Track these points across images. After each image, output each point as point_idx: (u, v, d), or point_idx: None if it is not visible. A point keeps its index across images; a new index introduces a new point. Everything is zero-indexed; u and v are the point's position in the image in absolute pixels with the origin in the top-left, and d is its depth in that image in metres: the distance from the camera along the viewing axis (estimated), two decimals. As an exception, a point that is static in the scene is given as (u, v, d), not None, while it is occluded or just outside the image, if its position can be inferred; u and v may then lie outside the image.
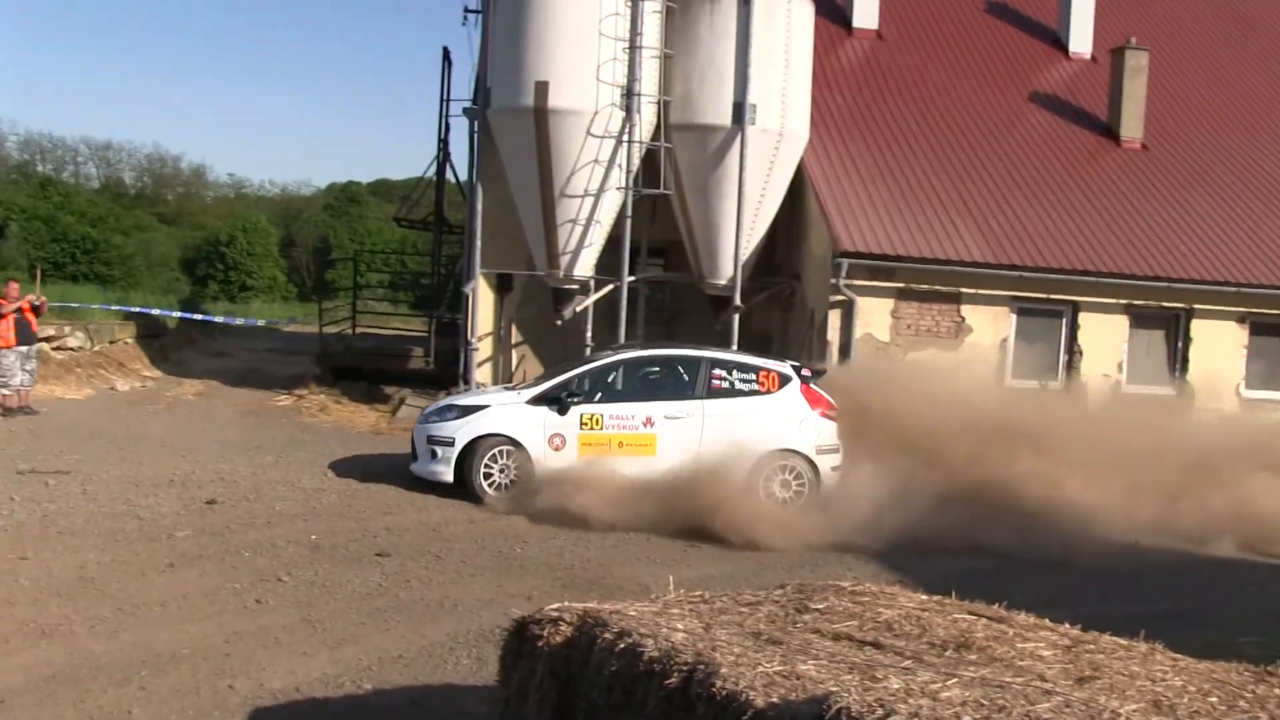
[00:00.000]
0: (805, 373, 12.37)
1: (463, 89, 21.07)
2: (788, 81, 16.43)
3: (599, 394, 11.79)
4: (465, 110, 18.08)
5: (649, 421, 11.72)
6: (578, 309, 16.79)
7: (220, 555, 8.58)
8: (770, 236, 17.44)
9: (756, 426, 11.77)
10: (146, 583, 7.84)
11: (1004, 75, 21.88)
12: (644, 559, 9.58)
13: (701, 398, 11.91)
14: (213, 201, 74.25)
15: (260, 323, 34.63)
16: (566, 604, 3.48)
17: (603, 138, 15.62)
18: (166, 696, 5.85)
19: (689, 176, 16.51)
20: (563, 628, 3.35)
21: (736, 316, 16.64)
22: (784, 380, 12.11)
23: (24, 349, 14.83)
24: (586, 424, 11.58)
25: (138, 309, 24.36)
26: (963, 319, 16.22)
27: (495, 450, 11.42)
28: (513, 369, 18.39)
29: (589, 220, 16.02)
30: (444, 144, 22.22)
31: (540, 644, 3.41)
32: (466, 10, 19.62)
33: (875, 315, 16.00)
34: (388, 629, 7.10)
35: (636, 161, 15.98)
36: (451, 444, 11.46)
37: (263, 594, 7.68)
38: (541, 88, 15.46)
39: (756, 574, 8.89)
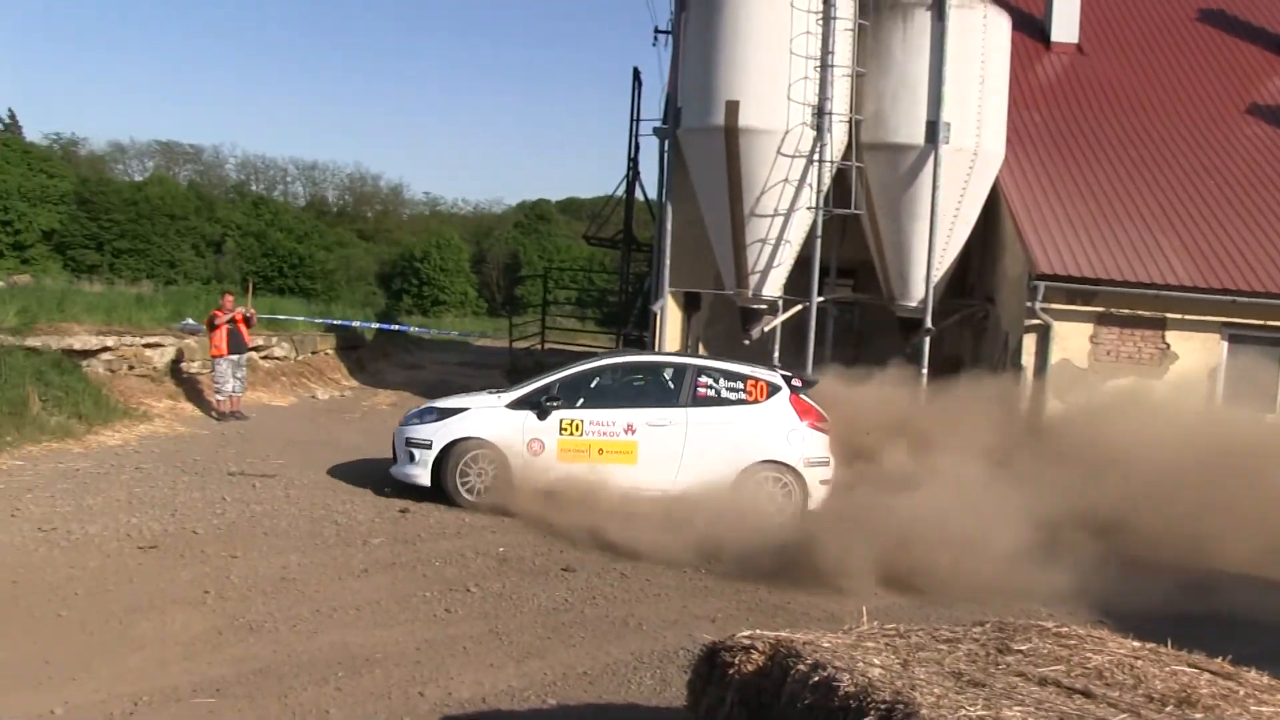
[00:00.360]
0: (795, 383, 11.99)
1: (653, 109, 21.37)
2: (983, 98, 15.98)
3: (580, 399, 11.46)
4: (655, 130, 18.26)
5: (630, 429, 11.39)
6: (765, 329, 16.70)
7: (412, 563, 8.85)
8: (963, 258, 16.97)
9: (742, 437, 11.46)
10: (343, 586, 8.16)
11: (1218, 86, 20.70)
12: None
13: (686, 406, 11.56)
14: (409, 219, 77.20)
15: (453, 335, 35.76)
16: (758, 632, 3.42)
17: (793, 157, 15.51)
18: (361, 699, 6.06)
19: (880, 196, 16.23)
20: (754, 656, 3.29)
21: (927, 339, 16.25)
22: (773, 390, 11.73)
23: (236, 357, 15.73)
24: (566, 429, 11.28)
25: (338, 321, 25.47)
26: (1167, 345, 15.36)
27: (473, 454, 11.22)
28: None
29: (778, 240, 15.93)
30: (634, 163, 22.52)
31: (731, 671, 3.36)
32: (657, 31, 19.90)
33: (1072, 340, 15.32)
34: (573, 644, 7.17)
35: (827, 181, 15.80)
36: (429, 446, 11.30)
37: (452, 603, 7.88)
38: (732, 107, 15.47)
39: (926, 609, 8.58)
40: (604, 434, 11.30)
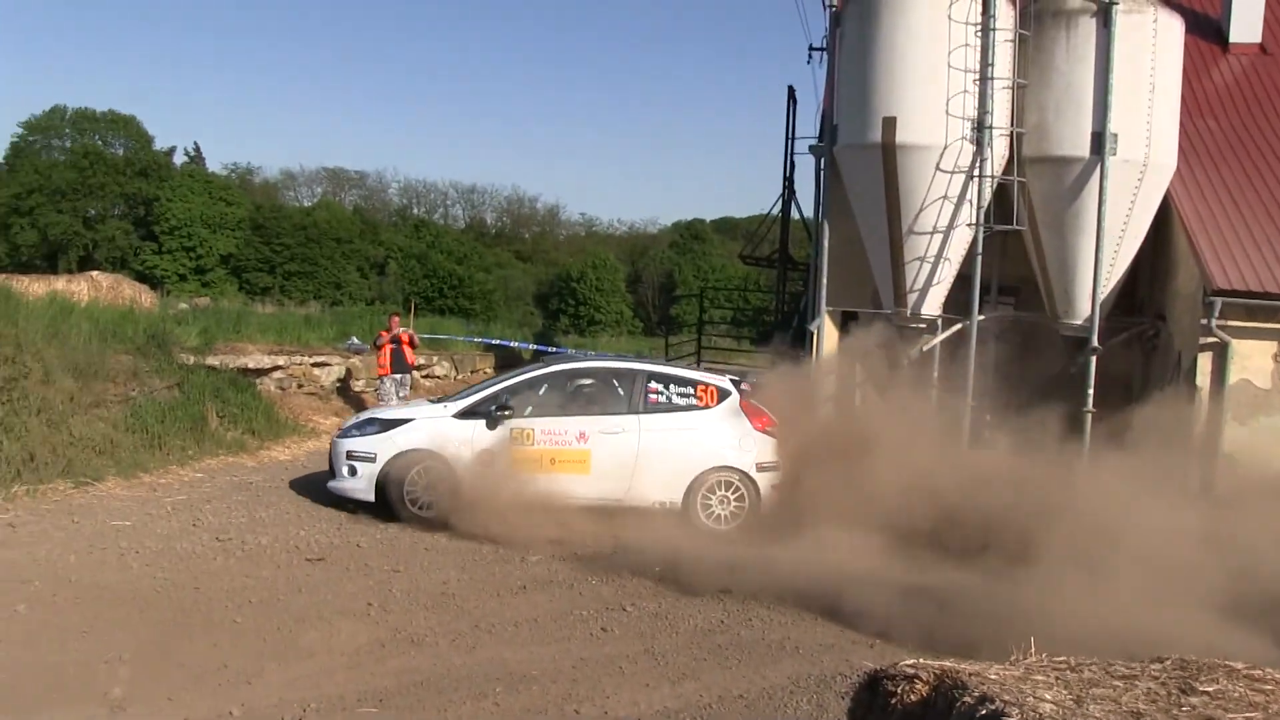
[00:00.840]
0: (744, 387, 11.80)
1: (808, 127, 21.23)
2: (1152, 107, 15.32)
3: (529, 408, 11.16)
4: (811, 148, 18.13)
5: (583, 437, 11.12)
6: (925, 348, 16.35)
7: (569, 582, 8.95)
8: (1131, 274, 16.27)
9: (694, 442, 11.30)
10: (501, 603, 8.30)
11: None
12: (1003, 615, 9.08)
13: (637, 412, 11.36)
14: (565, 239, 78.46)
15: (609, 355, 36.02)
16: (922, 661, 3.31)
17: (952, 173, 15.16)
18: (518, 714, 6.15)
19: (1043, 211, 15.72)
20: (918, 686, 3.18)
21: (1093, 359, 15.64)
22: (722, 395, 11.58)
23: (399, 376, 16.25)
24: (517, 439, 10.96)
25: (496, 341, 25.98)
26: (1361, 364, 14.43)
27: (419, 467, 10.82)
28: (856, 406, 18.13)
29: (937, 257, 15.58)
30: (789, 182, 22.37)
31: (893, 701, 3.26)
32: (811, 48, 19.76)
33: (1253, 359, 14.50)
34: (728, 667, 7.12)
35: (987, 196, 15.38)
36: (372, 460, 10.90)
37: (608, 622, 7.92)
38: (889, 123, 15.22)
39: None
40: (556, 443, 11.03)
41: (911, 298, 15.98)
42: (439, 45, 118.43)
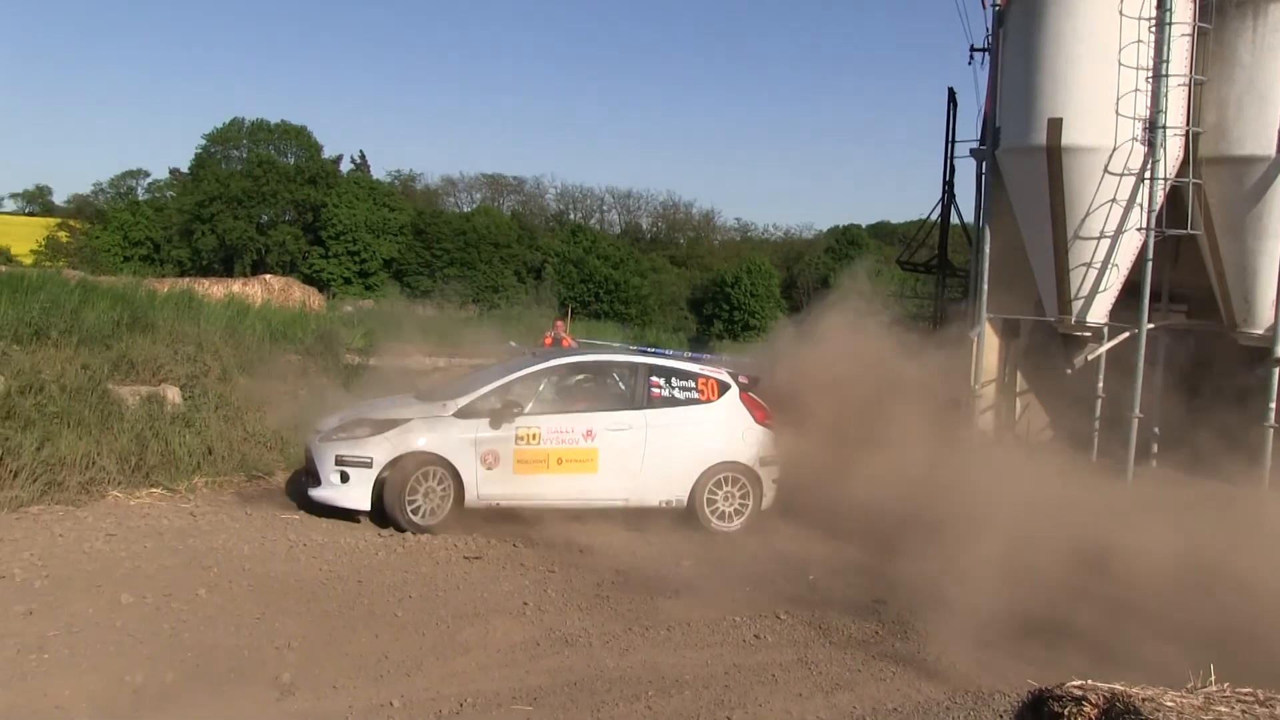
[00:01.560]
0: (743, 380, 11.30)
1: (968, 130, 20.66)
2: (1347, 103, 14.46)
3: (530, 404, 10.62)
4: (972, 151, 17.71)
5: (590, 434, 10.68)
6: (1090, 357, 15.76)
7: (721, 587, 8.92)
8: (1320, 280, 15.40)
9: (698, 438, 11.00)
10: (654, 606, 8.32)
11: None
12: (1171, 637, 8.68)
13: (642, 407, 10.98)
14: (720, 245, 78.43)
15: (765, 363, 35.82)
16: (1091, 682, 3.18)
17: (1121, 175, 14.58)
18: (670, 719, 6.15)
19: (1221, 214, 14.97)
20: (1086, 709, 3.05)
21: (1276, 371, 14.83)
22: (723, 388, 11.15)
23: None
24: (523, 439, 10.42)
25: (650, 347, 26.15)
26: None
27: (421, 471, 10.12)
28: (1016, 417, 17.62)
29: (1105, 263, 15.00)
30: (949, 186, 21.86)
31: (1060, 722, 3.15)
32: (973, 49, 19.24)
33: None
34: (883, 679, 6.99)
35: (1159, 199, 14.74)
36: (369, 465, 10.07)
37: (761, 629, 7.87)
38: (1054, 125, 14.74)
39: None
40: (563, 441, 10.57)
41: (1076, 305, 15.45)
42: (597, 52, 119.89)
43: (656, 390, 11.09)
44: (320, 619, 7.41)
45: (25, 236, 64.76)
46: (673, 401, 11.10)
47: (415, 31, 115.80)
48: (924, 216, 23.60)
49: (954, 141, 21.47)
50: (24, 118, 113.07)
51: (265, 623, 7.23)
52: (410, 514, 10.05)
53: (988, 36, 17.84)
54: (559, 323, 17.08)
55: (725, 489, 11.08)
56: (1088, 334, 15.72)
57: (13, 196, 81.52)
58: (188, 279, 28.43)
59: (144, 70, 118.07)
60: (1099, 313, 15.45)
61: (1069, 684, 3.19)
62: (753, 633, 7.79)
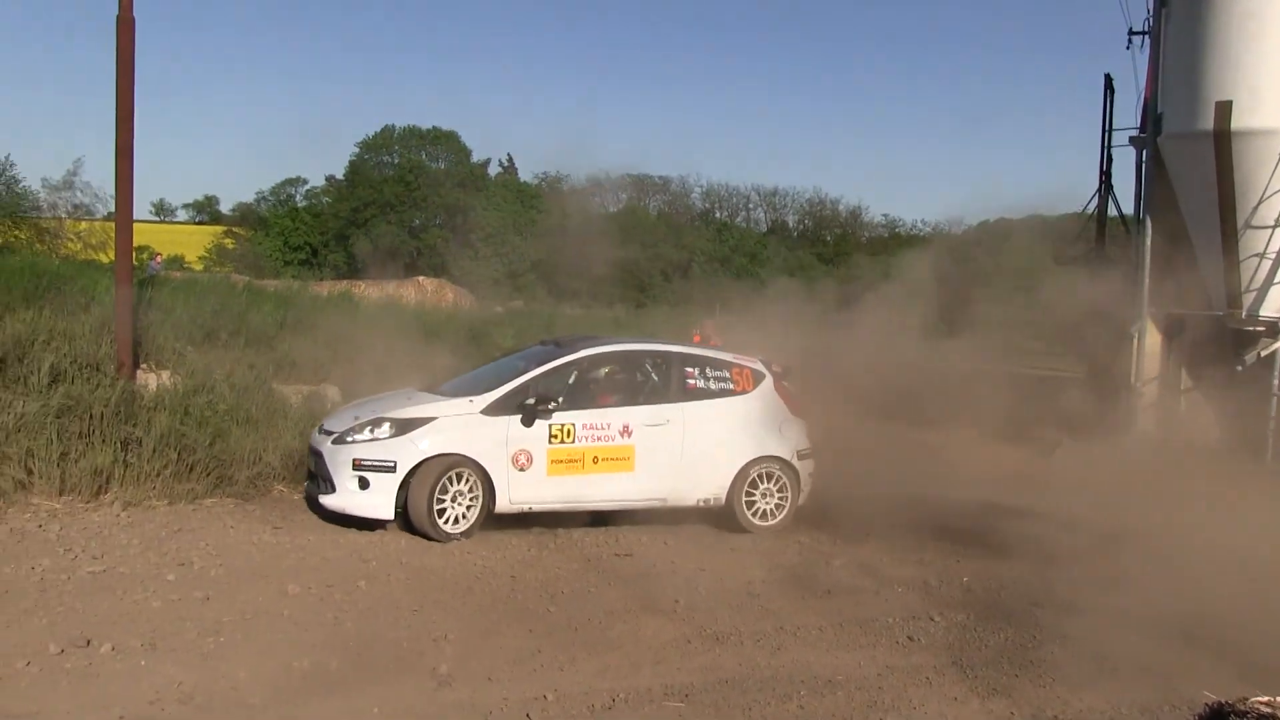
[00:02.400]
0: (776, 368, 10.60)
1: (1127, 117, 19.93)
2: None
3: (561, 399, 9.87)
4: (1131, 139, 17.10)
5: (626, 430, 10.00)
6: (1263, 353, 15.01)
7: (874, 588, 8.79)
8: None
9: (736, 431, 10.43)
10: (806, 606, 8.25)
11: None
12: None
13: (679, 400, 10.32)
14: (868, 241, 77.33)
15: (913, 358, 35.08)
16: (1276, 699, 3.01)
17: (1298, 160, 13.85)
18: (822, 719, 6.09)
19: None
20: (1273, 726, 2.89)
21: None
22: (758, 378, 10.52)
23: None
24: (556, 436, 9.73)
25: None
26: None
27: (450, 474, 9.36)
28: (1181, 415, 16.88)
29: (1279, 254, 14.29)
30: (1106, 176, 21.11)
31: (1241, 736, 2.99)
32: (1131, 33, 18.55)
33: None
34: (1042, 685, 6.77)
35: (1340, 186, 13.97)
36: (392, 469, 9.22)
37: (914, 631, 7.73)
38: (1223, 108, 14.09)
39: None
40: (599, 439, 9.90)
41: (1248, 298, 14.76)
42: (742, 48, 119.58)
43: (691, 381, 10.51)
44: (475, 613, 7.58)
45: (196, 244, 68.12)
46: (708, 393, 10.53)
47: (558, 32, 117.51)
48: (1080, 209, 22.86)
49: (1111, 130, 20.73)
50: (194, 133, 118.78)
51: (422, 615, 7.42)
52: (441, 523, 9.33)
53: (1148, 18, 17.20)
54: (708, 322, 17.05)
55: (764, 485, 10.55)
56: (1260, 329, 14.98)
57: (184, 207, 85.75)
58: (345, 282, 29.43)
59: (301, 82, 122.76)
60: (1273, 306, 14.73)
61: (1254, 699, 3.02)
62: (906, 634, 7.65)
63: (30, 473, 9.56)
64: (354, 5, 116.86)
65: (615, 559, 9.32)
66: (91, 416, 10.11)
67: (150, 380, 11.46)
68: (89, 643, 6.45)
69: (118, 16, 10.98)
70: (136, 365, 11.49)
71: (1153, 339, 16.51)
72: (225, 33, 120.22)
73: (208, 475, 10.24)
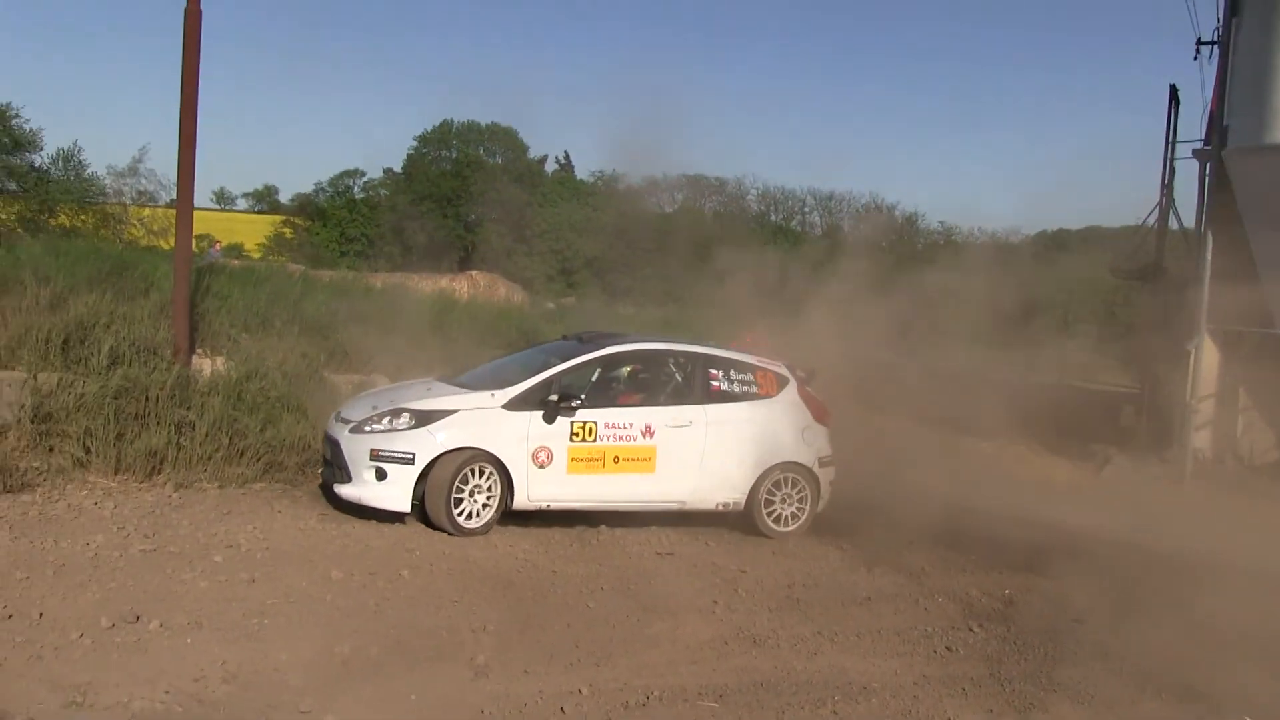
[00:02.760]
0: (800, 374, 10.44)
1: (1191, 129, 19.66)
2: None
3: (583, 397, 9.76)
4: (1195, 152, 16.87)
5: (649, 431, 9.88)
6: (1324, 373, 14.74)
7: (915, 597, 8.75)
8: None
9: (759, 436, 10.26)
10: (845, 611, 8.24)
11: None
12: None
13: (702, 402, 10.19)
14: (923, 249, 76.69)
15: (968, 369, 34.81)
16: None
17: (1369, 177, 13.58)
18: (856, 726, 6.09)
19: None
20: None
21: None
22: (782, 382, 10.35)
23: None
24: (578, 434, 9.62)
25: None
26: None
27: (469, 469, 9.24)
28: (1238, 435, 16.63)
29: (1343, 273, 14.02)
30: (1167, 189, 20.82)
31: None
32: (1200, 43, 18.29)
33: None
34: (1081, 702, 6.72)
35: None
36: (410, 461, 9.12)
37: (953, 641, 7.69)
38: (1292, 124, 13.85)
39: None
40: (621, 438, 9.79)
41: (1317, 316, 14.48)
42: (800, 52, 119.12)
43: (715, 383, 10.39)
44: (515, 605, 7.64)
45: (254, 233, 69.07)
46: (731, 396, 10.41)
47: (613, 33, 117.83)
48: (1139, 221, 22.56)
49: (1175, 142, 20.42)
50: (255, 123, 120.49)
51: (463, 606, 7.50)
52: (458, 518, 9.25)
53: (1218, 28, 16.92)
54: (760, 324, 17.02)
55: (784, 490, 10.44)
56: (1323, 348, 14.71)
57: (244, 196, 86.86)
58: (400, 274, 29.73)
59: (361, 74, 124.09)
60: (1336, 326, 14.46)
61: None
62: (944, 644, 7.61)
63: (88, 451, 9.79)
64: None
65: (657, 557, 9.35)
66: (148, 399, 10.33)
67: (205, 365, 11.67)
68: (138, 618, 6.61)
69: (185, 9, 11.19)
70: (192, 350, 11.71)
71: (1210, 355, 16.27)
72: (291, 25, 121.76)
73: (257, 460, 10.41)
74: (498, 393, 9.66)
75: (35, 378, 10.10)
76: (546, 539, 9.51)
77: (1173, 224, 21.31)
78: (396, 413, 9.46)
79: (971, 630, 7.95)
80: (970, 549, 10.47)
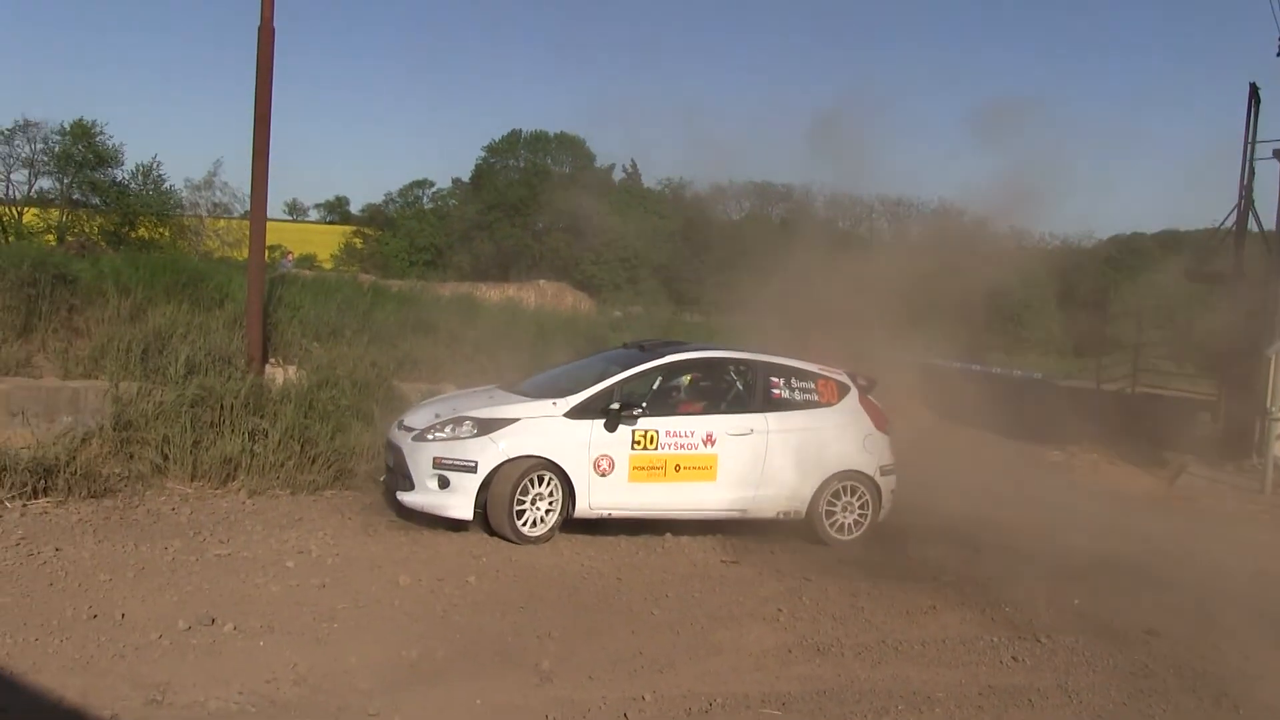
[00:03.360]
0: (861, 382, 10.34)
1: (1272, 128, 19.23)
2: None
3: (645, 404, 9.75)
4: (1276, 152, 16.48)
5: (710, 439, 9.84)
6: None
7: (982, 606, 8.65)
8: None
9: (820, 444, 10.23)
10: (909, 620, 8.18)
11: None
12: None
13: (763, 410, 10.16)
14: (993, 253, 75.65)
15: (1037, 375, 34.39)
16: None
17: None
18: (921, 736, 6.06)
19: None
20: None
21: None
22: (843, 390, 10.26)
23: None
24: (639, 442, 9.61)
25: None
26: None
27: (531, 477, 9.27)
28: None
29: None
30: (1247, 190, 20.38)
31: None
32: (1282, 39, 17.88)
33: None
34: (1151, 716, 6.61)
35: None
36: (473, 469, 9.14)
37: (1019, 652, 7.60)
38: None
39: None
40: (682, 446, 9.79)
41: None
42: (859, 56, 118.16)
43: (776, 391, 10.37)
44: (580, 612, 7.71)
45: (327, 243, 70.28)
46: (792, 404, 10.39)
47: (682, 41, 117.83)
48: (1217, 224, 22.10)
49: (1255, 142, 20.01)
50: (326, 135, 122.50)
51: (528, 612, 7.58)
52: (520, 526, 9.28)
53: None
54: (819, 335, 17.00)
55: (844, 499, 10.41)
56: None
57: (316, 207, 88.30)
58: (468, 283, 30.06)
59: (431, 84, 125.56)
60: None
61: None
62: (1010, 654, 7.53)
63: (166, 458, 10.06)
64: (482, 11, 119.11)
65: (721, 565, 9.37)
66: (222, 407, 10.58)
67: (278, 374, 11.93)
68: (214, 621, 6.79)
69: (259, 26, 11.47)
70: (265, 360, 11.97)
71: (1291, 362, 15.88)
72: (361, 38, 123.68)
73: (328, 468, 10.61)
74: (559, 401, 9.71)
75: (116, 386, 10.42)
76: (612, 546, 9.57)
77: (1252, 226, 20.88)
78: (459, 421, 9.52)
79: (1039, 640, 7.85)
80: (1040, 558, 10.35)
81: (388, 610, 7.36)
